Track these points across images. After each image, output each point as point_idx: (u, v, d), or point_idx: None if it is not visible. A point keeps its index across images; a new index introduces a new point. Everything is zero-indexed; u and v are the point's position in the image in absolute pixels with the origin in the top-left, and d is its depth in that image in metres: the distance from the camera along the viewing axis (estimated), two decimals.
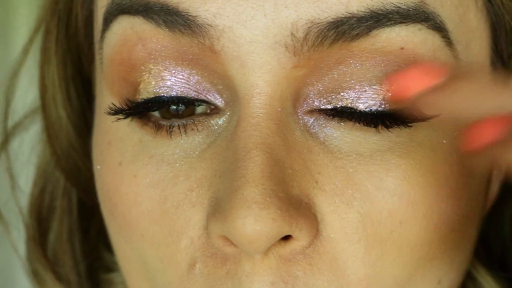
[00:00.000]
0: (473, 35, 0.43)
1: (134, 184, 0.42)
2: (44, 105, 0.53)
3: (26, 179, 0.57)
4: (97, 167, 0.46)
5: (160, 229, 0.41)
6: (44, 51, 0.52)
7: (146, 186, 0.42)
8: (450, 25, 0.41)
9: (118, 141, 0.44)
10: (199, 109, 0.42)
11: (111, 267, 0.57)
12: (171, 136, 0.42)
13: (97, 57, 0.46)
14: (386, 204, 0.40)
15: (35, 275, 0.56)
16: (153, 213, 0.41)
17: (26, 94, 0.55)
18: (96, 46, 0.46)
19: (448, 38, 0.40)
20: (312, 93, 0.40)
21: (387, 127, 0.40)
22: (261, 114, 0.39)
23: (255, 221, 0.37)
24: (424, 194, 0.40)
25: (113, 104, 0.43)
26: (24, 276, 0.57)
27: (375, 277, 0.40)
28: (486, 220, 0.54)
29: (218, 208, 0.39)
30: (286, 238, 0.39)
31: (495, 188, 0.50)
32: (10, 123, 0.56)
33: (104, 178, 0.45)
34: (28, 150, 0.58)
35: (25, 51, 0.54)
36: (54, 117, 0.53)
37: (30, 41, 0.53)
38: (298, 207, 0.38)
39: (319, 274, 0.40)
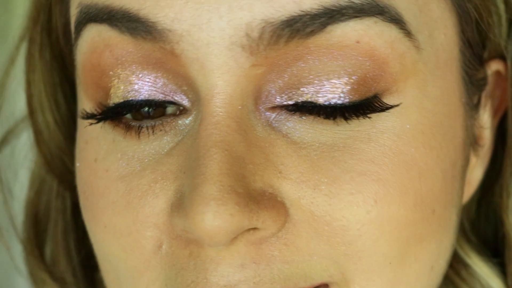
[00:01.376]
0: (437, 24, 0.43)
1: (105, 177, 0.44)
2: (31, 111, 0.55)
3: (22, 182, 0.59)
4: (77, 165, 0.47)
5: (123, 219, 0.43)
6: (29, 58, 0.54)
7: (115, 179, 0.43)
8: (408, 17, 0.41)
9: (94, 140, 0.45)
10: (169, 110, 0.43)
11: None
12: (139, 136, 0.43)
13: (74, 62, 0.47)
14: (356, 184, 0.40)
15: (32, 275, 0.58)
16: (117, 204, 0.43)
17: (19, 101, 0.57)
18: (73, 51, 0.47)
19: (406, 29, 0.41)
20: (273, 89, 0.41)
21: (346, 119, 0.41)
22: (220, 113, 0.40)
23: (213, 217, 0.38)
24: (392, 172, 0.41)
25: (84, 109, 0.45)
26: (21, 277, 0.59)
27: (358, 254, 0.41)
28: (476, 206, 0.54)
29: (181, 204, 0.40)
30: (253, 228, 0.40)
31: (478, 173, 0.50)
32: (3, 129, 0.58)
33: (81, 173, 0.46)
34: (23, 154, 0.59)
35: (12, 60, 0.55)
36: (42, 123, 0.54)
37: (16, 49, 0.55)
38: (259, 200, 0.39)
39: (297, 251, 0.40)
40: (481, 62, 0.48)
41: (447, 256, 0.47)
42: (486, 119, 0.49)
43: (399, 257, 0.42)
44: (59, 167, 0.56)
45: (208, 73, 0.40)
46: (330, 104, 0.40)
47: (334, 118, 0.40)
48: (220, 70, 0.40)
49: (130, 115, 0.43)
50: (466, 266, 0.52)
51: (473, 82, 0.47)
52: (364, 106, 0.41)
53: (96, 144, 0.45)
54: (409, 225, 0.42)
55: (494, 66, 0.49)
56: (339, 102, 0.40)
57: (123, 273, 0.45)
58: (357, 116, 0.41)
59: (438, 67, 0.43)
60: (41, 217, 0.58)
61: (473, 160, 0.49)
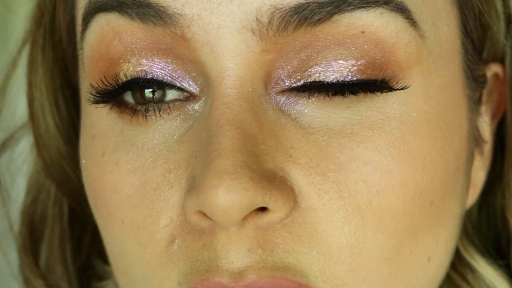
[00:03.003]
0: (440, 15, 0.44)
1: (115, 171, 0.43)
2: (32, 115, 0.54)
3: (18, 189, 0.58)
4: (82, 162, 0.47)
5: (140, 212, 0.42)
6: (31, 61, 0.54)
7: (127, 172, 0.43)
8: (412, 6, 0.42)
9: (101, 134, 0.45)
10: (171, 95, 0.43)
11: (102, 275, 0.58)
12: (146, 119, 0.43)
13: (79, 58, 0.47)
14: (361, 173, 0.40)
15: (26, 283, 0.57)
16: (133, 198, 0.42)
17: (18, 106, 0.57)
18: (78, 46, 0.47)
19: (411, 18, 0.42)
20: (282, 75, 0.41)
21: (354, 93, 0.41)
22: (232, 94, 0.40)
23: (226, 191, 0.37)
24: (397, 164, 0.41)
25: (90, 94, 0.44)
26: (16, 284, 0.58)
27: (358, 247, 0.41)
28: (477, 210, 0.54)
29: (193, 184, 0.40)
30: (263, 210, 0.40)
31: (482, 175, 0.51)
32: (2, 133, 0.57)
33: (88, 170, 0.46)
34: (20, 160, 0.59)
35: (14, 63, 0.55)
36: (43, 126, 0.54)
37: (18, 53, 0.55)
38: (272, 180, 0.39)
39: (299, 241, 0.40)
40: (481, 59, 0.48)
41: (448, 248, 0.46)
42: (487, 118, 0.50)
43: (394, 251, 0.42)
44: (57, 172, 0.55)
45: (219, 56, 0.40)
46: (338, 81, 0.41)
47: (343, 94, 0.41)
48: (231, 53, 0.40)
49: (134, 100, 0.43)
50: (471, 269, 0.52)
51: (474, 78, 0.47)
52: (371, 85, 0.41)
53: (104, 137, 0.45)
54: (405, 217, 0.42)
55: (493, 69, 0.50)
56: (347, 79, 0.41)
57: (138, 271, 0.44)
58: (365, 92, 0.41)
59: (442, 56, 0.44)
60: (37, 224, 0.58)
61: (477, 157, 0.49)
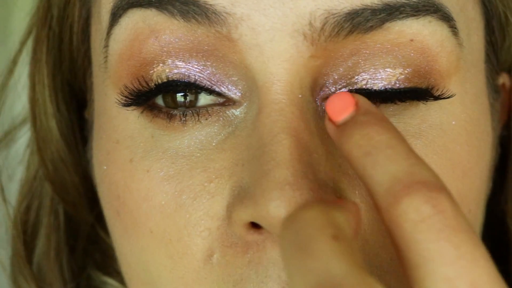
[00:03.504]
0: (472, 24, 0.44)
1: (146, 179, 0.41)
2: (34, 116, 0.52)
3: (11, 194, 0.56)
4: (102, 168, 0.44)
5: (174, 223, 0.40)
6: (35, 61, 0.51)
7: (160, 180, 0.41)
8: (454, 15, 0.42)
9: (127, 139, 0.43)
10: (203, 99, 0.41)
11: (100, 286, 0.56)
12: (184, 124, 0.41)
13: (98, 58, 0.45)
14: None
15: None
16: (166, 207, 0.40)
17: (12, 107, 0.54)
18: (100, 45, 0.45)
19: (455, 28, 0.42)
20: (327, 82, 0.40)
21: (402, 101, 0.41)
22: (283, 100, 0.39)
23: (289, 203, 0.36)
24: (440, 171, 0.40)
25: (124, 86, 0.42)
26: None
27: None
28: None
29: (246, 194, 0.38)
30: None
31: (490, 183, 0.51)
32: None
33: (111, 177, 0.43)
34: (13, 165, 0.56)
35: (14, 62, 0.53)
36: (45, 128, 0.52)
37: (20, 51, 0.52)
38: (326, 191, 0.38)
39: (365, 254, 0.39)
40: (499, 69, 0.49)
41: None
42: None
43: None
44: (57, 176, 0.53)
45: (268, 60, 0.39)
46: (386, 89, 0.40)
47: (392, 101, 0.41)
48: (281, 58, 0.39)
49: (165, 104, 0.41)
50: None
51: (494, 87, 0.48)
52: (418, 93, 0.41)
53: (131, 143, 0.42)
54: None
55: (501, 80, 0.51)
56: (395, 87, 0.41)
57: (166, 284, 0.41)
58: (412, 100, 0.41)
59: (473, 65, 0.45)
60: (30, 232, 0.55)
61: None
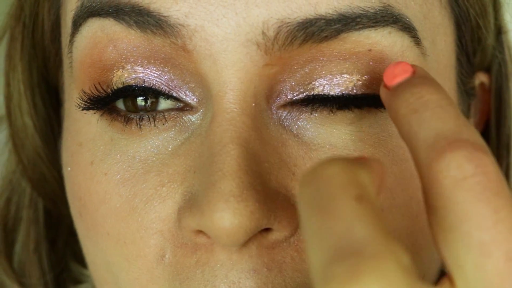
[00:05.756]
0: (438, 31, 0.43)
1: (104, 181, 0.42)
2: (9, 113, 0.52)
3: None
4: (67, 169, 0.45)
5: (127, 226, 0.41)
6: (9, 58, 0.51)
7: (116, 183, 0.41)
8: (416, 24, 0.41)
9: (89, 142, 0.43)
10: (164, 103, 0.41)
11: (79, 278, 0.57)
12: (140, 128, 0.41)
13: (66, 61, 0.45)
14: None
15: (1, 287, 0.55)
16: (121, 210, 0.41)
17: None
18: (65, 50, 0.45)
19: (417, 37, 0.41)
20: (284, 88, 0.40)
21: (359, 107, 0.40)
22: (235, 109, 0.39)
23: (233, 215, 0.36)
24: (399, 181, 0.40)
25: (82, 91, 0.42)
26: None
27: None
28: None
29: (194, 202, 0.38)
30: (267, 230, 0.39)
31: None
32: None
33: (74, 178, 0.44)
34: None
35: None
36: (20, 125, 0.52)
37: None
38: (275, 199, 0.38)
39: None
40: (473, 71, 0.48)
41: (439, 263, 0.46)
42: None
43: None
44: (34, 172, 0.53)
45: (221, 70, 0.39)
46: (343, 94, 0.40)
47: (348, 107, 0.40)
48: (235, 67, 0.39)
49: (125, 108, 0.42)
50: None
51: (466, 90, 0.47)
52: (377, 100, 0.40)
53: (92, 145, 0.43)
54: (410, 236, 0.41)
55: (479, 78, 0.50)
56: (352, 93, 0.40)
57: (125, 285, 0.42)
58: (369, 106, 0.40)
59: (439, 73, 0.44)
60: (10, 226, 0.56)
61: None
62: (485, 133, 0.53)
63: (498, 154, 0.52)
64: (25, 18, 0.50)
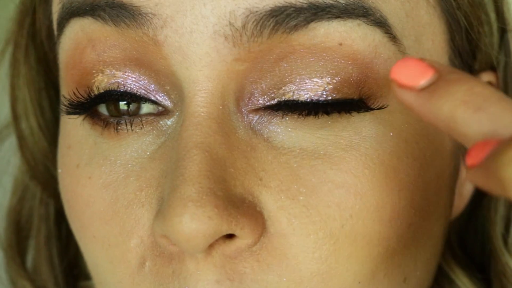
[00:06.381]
0: (424, 30, 0.42)
1: (88, 185, 0.43)
2: (15, 116, 0.54)
3: (5, 188, 0.58)
4: (59, 171, 0.46)
5: (111, 229, 0.42)
6: (14, 63, 0.53)
7: (99, 187, 0.42)
8: (393, 20, 0.40)
9: (76, 145, 0.44)
10: (146, 108, 0.42)
11: (90, 274, 0.58)
12: (117, 132, 0.42)
13: (58, 64, 0.46)
14: (333, 197, 0.39)
15: (13, 283, 0.57)
16: (104, 214, 0.42)
17: (2, 105, 0.56)
18: (55, 53, 0.46)
19: (391, 33, 0.40)
20: (256, 91, 0.40)
21: (328, 114, 0.40)
22: (202, 114, 0.39)
23: (191, 219, 0.37)
24: (371, 186, 0.39)
25: (64, 105, 0.43)
26: (2, 285, 0.58)
27: (330, 273, 0.40)
28: (464, 222, 0.53)
29: (161, 207, 0.39)
30: (230, 236, 0.39)
31: (469, 189, 0.49)
32: None
33: (63, 180, 0.45)
34: (6, 159, 0.59)
35: None
36: (26, 128, 0.54)
37: (1, 53, 0.54)
38: (239, 206, 0.38)
39: (268, 270, 0.39)
40: (471, 72, 0.47)
41: (429, 267, 0.45)
42: None
43: (369, 275, 0.41)
44: (42, 173, 0.55)
45: (190, 66, 0.39)
46: (312, 100, 0.39)
47: (316, 113, 0.39)
48: (202, 62, 0.39)
49: (108, 112, 0.42)
50: (450, 281, 0.51)
51: None
52: (347, 105, 0.40)
53: (79, 148, 0.44)
54: (382, 241, 0.40)
55: (485, 78, 0.48)
56: (321, 99, 0.39)
57: (111, 286, 0.43)
58: (339, 112, 0.40)
59: None
60: (23, 224, 0.58)
61: (464, 171, 0.48)
62: None
63: None
64: (27, 24, 0.51)
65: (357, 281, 0.41)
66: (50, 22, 0.48)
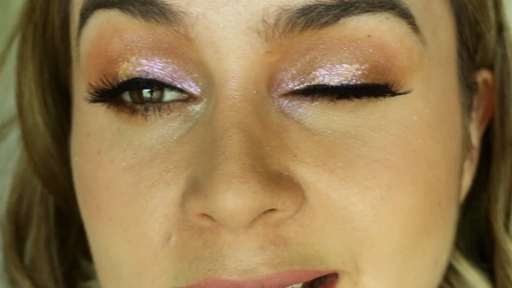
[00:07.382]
0: (438, 23, 0.44)
1: (111, 168, 0.43)
2: (21, 111, 0.53)
3: (3, 187, 0.57)
4: (75, 159, 0.46)
5: (131, 210, 0.42)
6: (21, 58, 0.53)
7: (122, 170, 0.42)
8: (415, 12, 0.42)
9: (96, 132, 0.44)
10: (169, 95, 0.43)
11: (89, 275, 0.57)
12: (146, 119, 0.42)
13: (74, 55, 0.47)
14: (370, 170, 0.41)
15: (12, 282, 0.56)
16: (126, 195, 0.42)
17: (3, 102, 0.56)
18: (73, 43, 0.46)
19: (415, 25, 0.42)
20: (285, 77, 0.41)
21: (358, 97, 0.41)
22: (236, 96, 0.40)
23: (236, 195, 0.37)
24: (404, 161, 0.41)
25: (88, 93, 0.44)
26: (1, 284, 0.57)
27: (372, 241, 0.41)
28: (462, 213, 0.55)
29: (198, 186, 0.39)
30: (272, 210, 0.40)
31: (468, 179, 0.51)
32: None
33: (81, 167, 0.45)
34: (5, 157, 0.58)
35: (2, 60, 0.54)
36: (31, 123, 0.53)
37: (7, 48, 0.54)
38: (278, 181, 0.39)
39: (313, 234, 0.40)
40: (474, 66, 0.49)
41: (448, 253, 0.47)
42: (476, 124, 0.51)
43: (409, 247, 0.42)
44: (45, 169, 0.54)
45: (223, 57, 0.40)
46: (342, 85, 0.41)
47: (348, 97, 0.41)
48: (236, 54, 0.40)
49: (131, 100, 0.43)
50: (455, 271, 0.52)
51: (467, 85, 0.48)
52: (375, 90, 0.41)
53: (99, 135, 0.44)
54: (420, 215, 0.42)
55: (483, 75, 0.51)
56: (351, 83, 0.41)
57: (126, 269, 0.43)
58: (368, 96, 0.41)
59: (441, 63, 0.45)
60: (22, 223, 0.57)
61: (466, 162, 0.50)
62: (490, 130, 0.53)
63: (503, 150, 0.52)
64: (36, 18, 0.51)
65: (399, 251, 0.42)
66: (66, 14, 0.49)
